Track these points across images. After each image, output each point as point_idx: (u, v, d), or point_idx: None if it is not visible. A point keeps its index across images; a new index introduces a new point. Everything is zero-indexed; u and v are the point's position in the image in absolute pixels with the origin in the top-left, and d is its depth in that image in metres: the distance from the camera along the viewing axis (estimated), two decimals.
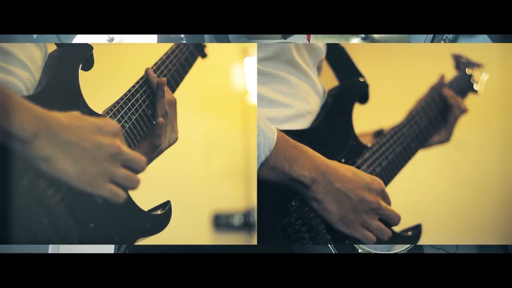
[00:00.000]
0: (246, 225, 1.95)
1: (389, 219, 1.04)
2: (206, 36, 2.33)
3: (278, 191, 0.98)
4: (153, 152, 1.00)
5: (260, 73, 1.04)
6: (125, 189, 0.89)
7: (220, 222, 1.91)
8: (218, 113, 1.98)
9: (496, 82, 1.38)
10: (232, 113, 2.03)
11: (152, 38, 2.03)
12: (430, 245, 1.96)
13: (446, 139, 1.21)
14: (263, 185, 0.97)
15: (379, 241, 1.04)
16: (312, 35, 2.20)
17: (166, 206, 0.99)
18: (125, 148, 0.89)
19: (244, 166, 1.99)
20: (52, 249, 1.93)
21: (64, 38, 1.95)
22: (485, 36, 1.85)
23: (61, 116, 0.83)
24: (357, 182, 1.00)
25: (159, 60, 1.07)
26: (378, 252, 1.61)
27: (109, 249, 1.92)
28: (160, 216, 0.97)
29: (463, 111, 1.22)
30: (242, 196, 1.95)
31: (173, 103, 1.03)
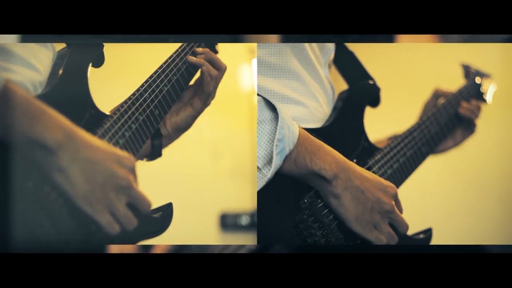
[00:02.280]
0: (253, 226, 1.95)
1: (399, 226, 1.02)
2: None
3: (279, 191, 0.98)
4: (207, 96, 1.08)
5: (270, 67, 1.02)
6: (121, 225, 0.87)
7: (227, 222, 1.90)
8: (225, 113, 1.97)
9: (496, 83, 1.39)
10: (240, 113, 2.03)
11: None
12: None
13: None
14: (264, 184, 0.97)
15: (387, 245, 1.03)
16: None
17: (167, 209, 0.98)
18: (136, 186, 0.88)
19: (251, 166, 1.98)
20: None
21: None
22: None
23: (83, 132, 0.83)
24: (374, 182, 0.99)
25: (169, 58, 1.05)
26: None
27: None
28: (161, 219, 0.96)
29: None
30: (249, 196, 1.95)
31: (222, 69, 1.08)
